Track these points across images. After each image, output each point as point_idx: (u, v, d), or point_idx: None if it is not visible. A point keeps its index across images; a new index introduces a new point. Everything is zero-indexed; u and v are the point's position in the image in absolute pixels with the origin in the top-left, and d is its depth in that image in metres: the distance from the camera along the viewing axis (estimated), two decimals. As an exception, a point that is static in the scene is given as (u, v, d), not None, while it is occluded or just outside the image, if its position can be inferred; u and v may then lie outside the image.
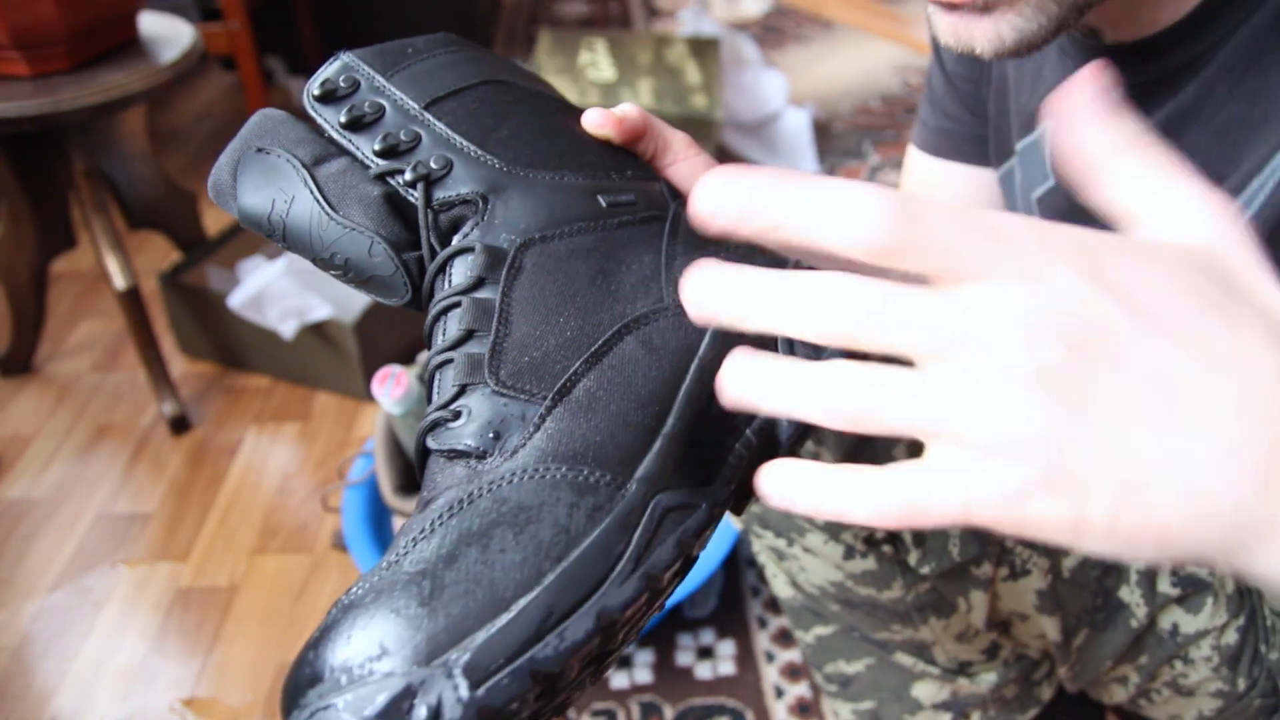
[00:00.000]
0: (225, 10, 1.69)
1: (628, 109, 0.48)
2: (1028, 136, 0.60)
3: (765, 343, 0.41)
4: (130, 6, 1.17)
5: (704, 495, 0.38)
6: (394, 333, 1.31)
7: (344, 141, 0.43)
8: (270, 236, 0.44)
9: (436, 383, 0.39)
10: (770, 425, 0.41)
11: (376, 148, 0.42)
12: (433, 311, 0.41)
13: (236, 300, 1.23)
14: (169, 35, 1.20)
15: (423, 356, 0.88)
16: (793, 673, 0.94)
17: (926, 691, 0.71)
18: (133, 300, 1.20)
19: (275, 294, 1.22)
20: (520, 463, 0.36)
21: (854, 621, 0.69)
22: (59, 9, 1.04)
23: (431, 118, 0.43)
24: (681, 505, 0.37)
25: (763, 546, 0.68)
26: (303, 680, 0.32)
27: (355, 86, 0.44)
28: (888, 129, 1.99)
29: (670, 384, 0.39)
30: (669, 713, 0.90)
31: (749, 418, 0.41)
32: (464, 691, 0.31)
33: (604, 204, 0.43)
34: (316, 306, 1.22)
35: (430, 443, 0.38)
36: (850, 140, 1.95)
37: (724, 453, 0.40)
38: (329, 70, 0.45)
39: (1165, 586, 0.63)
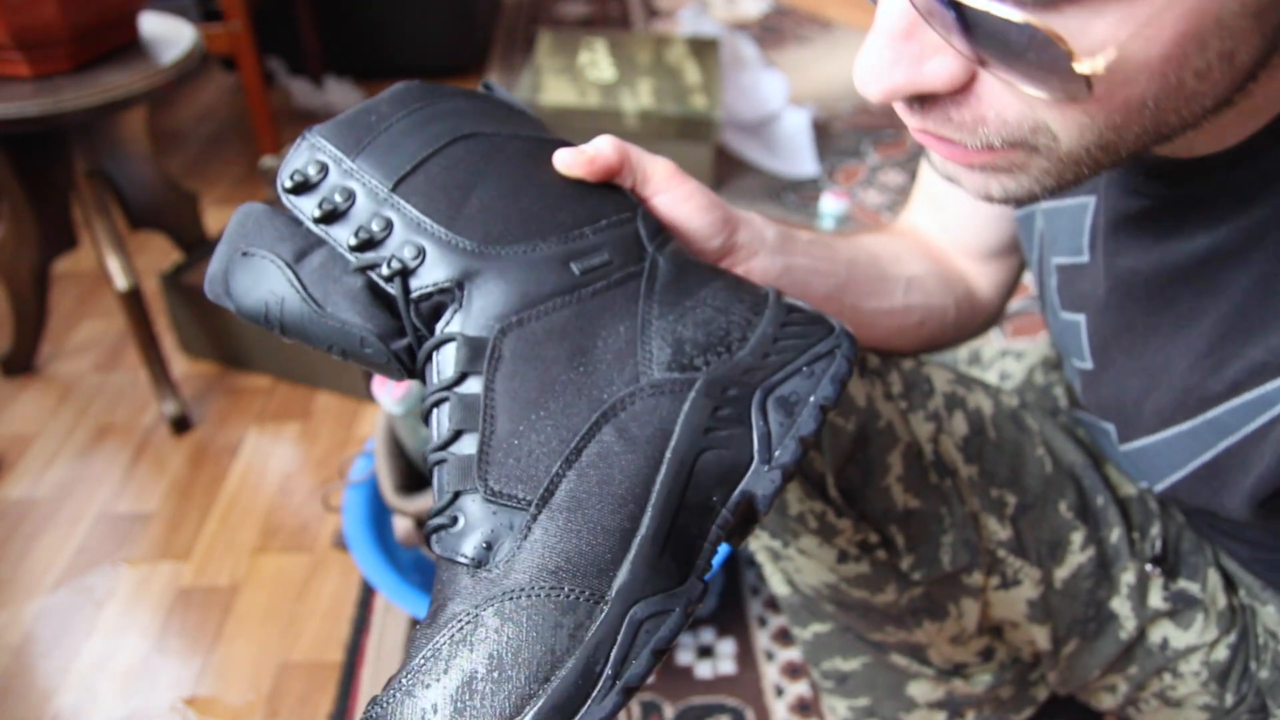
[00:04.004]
0: (226, 11, 1.70)
1: (601, 146, 0.47)
2: (1065, 199, 0.56)
3: (739, 414, 0.43)
4: (131, 7, 1.17)
5: (678, 597, 0.40)
6: (394, 333, 1.31)
7: (321, 233, 0.45)
8: (271, 331, 0.46)
9: (435, 481, 0.42)
10: (749, 498, 0.42)
11: (352, 242, 0.44)
12: (425, 404, 0.43)
13: (237, 300, 1.23)
14: (170, 36, 1.21)
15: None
16: (793, 671, 0.94)
17: (922, 690, 0.71)
18: (134, 300, 1.21)
19: (276, 294, 1.22)
20: (513, 582, 0.38)
21: (849, 622, 0.69)
22: (61, 10, 1.04)
23: (400, 200, 0.44)
24: (656, 613, 0.39)
25: (760, 546, 0.68)
26: None
27: (325, 172, 0.45)
28: (887, 129, 2.00)
29: (646, 477, 0.41)
30: (669, 711, 0.91)
31: (725, 497, 0.42)
32: None
33: (577, 273, 0.44)
34: (317, 306, 1.23)
35: (435, 547, 0.41)
36: (850, 140, 1.95)
37: (700, 542, 0.41)
38: (297, 157, 0.46)
39: (1156, 601, 0.63)
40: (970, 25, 0.33)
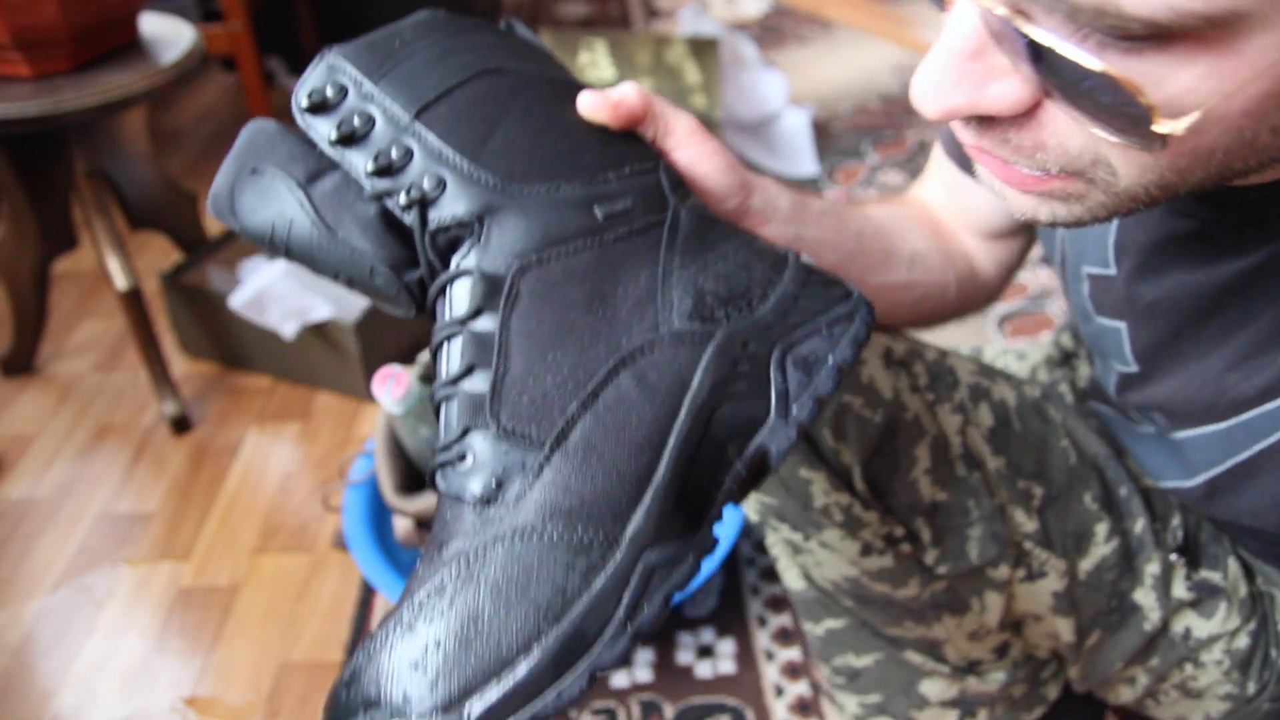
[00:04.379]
0: (226, 11, 1.70)
1: (626, 92, 0.46)
2: None
3: (757, 370, 0.43)
4: (131, 8, 1.17)
5: (691, 545, 0.40)
6: (395, 333, 1.31)
7: (336, 157, 0.43)
8: (274, 254, 0.44)
9: (443, 416, 0.41)
10: (763, 453, 0.42)
11: (369, 168, 0.42)
12: (435, 339, 0.42)
13: (237, 300, 1.23)
14: (170, 36, 1.21)
15: (424, 356, 0.88)
16: (793, 671, 0.94)
17: (935, 688, 0.71)
18: (134, 300, 1.21)
19: (276, 294, 1.22)
20: (522, 519, 0.38)
21: (866, 617, 0.69)
22: (61, 10, 1.04)
23: (423, 128, 0.43)
24: (669, 561, 0.39)
25: (778, 539, 0.68)
26: (348, 700, 0.36)
27: (343, 94, 0.44)
28: (886, 129, 2.00)
29: (663, 425, 0.40)
30: (669, 711, 0.91)
31: (740, 450, 0.42)
32: None
33: (600, 216, 0.43)
34: (317, 307, 1.23)
35: (440, 484, 0.40)
36: (849, 140, 1.95)
37: (714, 493, 0.41)
38: (315, 76, 0.45)
39: (1180, 591, 0.63)
40: (1042, 57, 0.32)
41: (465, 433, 0.40)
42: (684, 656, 0.96)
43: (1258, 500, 0.52)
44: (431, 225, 0.42)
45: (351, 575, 1.06)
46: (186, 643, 1.00)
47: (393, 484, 0.85)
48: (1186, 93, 0.31)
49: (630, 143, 0.47)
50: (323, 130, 0.44)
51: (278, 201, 0.44)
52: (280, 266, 1.23)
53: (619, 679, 0.93)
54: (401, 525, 0.85)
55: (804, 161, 1.85)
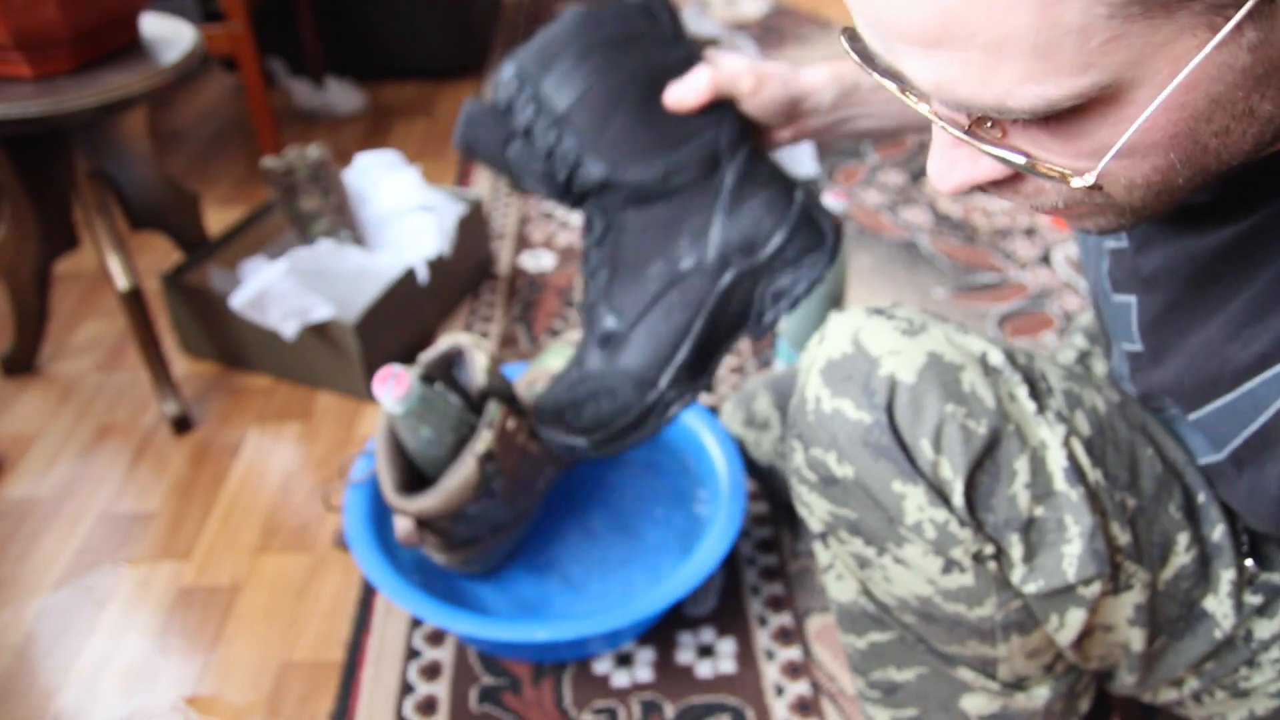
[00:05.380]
0: (227, 12, 1.70)
1: (698, 85, 0.70)
2: None
3: (748, 295, 0.72)
4: (132, 8, 1.17)
5: (694, 389, 0.73)
6: (395, 333, 1.32)
7: (521, 137, 0.72)
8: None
9: (588, 286, 0.75)
10: (757, 323, 0.73)
11: (539, 147, 0.70)
12: (584, 244, 0.75)
13: (238, 300, 1.23)
14: (171, 37, 1.21)
15: (424, 356, 0.88)
16: (793, 671, 0.94)
17: (976, 703, 0.69)
18: (135, 301, 1.21)
19: (277, 294, 1.22)
20: (614, 367, 0.73)
21: (925, 634, 0.67)
22: (61, 11, 1.05)
23: (568, 125, 0.70)
24: (679, 397, 0.73)
25: (842, 552, 0.66)
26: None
27: (519, 90, 0.71)
28: (888, 129, 2.00)
29: (690, 322, 0.71)
30: (669, 710, 0.91)
31: (732, 340, 0.73)
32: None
33: (673, 184, 0.70)
34: (318, 307, 1.23)
35: (585, 318, 0.75)
36: (849, 140, 1.96)
37: (712, 364, 0.74)
38: (502, 87, 0.72)
39: (1249, 597, 0.62)
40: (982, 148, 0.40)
41: (595, 304, 0.73)
42: (684, 656, 0.96)
43: (1269, 477, 0.52)
44: (575, 184, 0.71)
45: (352, 575, 1.06)
46: (187, 642, 1.00)
47: (393, 483, 0.85)
48: (1096, 145, 0.38)
49: (702, 117, 0.70)
50: (512, 121, 0.72)
51: (490, 155, 0.72)
52: (281, 266, 1.23)
53: (619, 678, 0.94)
54: (402, 525, 0.85)
55: (803, 161, 1.85)
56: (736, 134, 0.71)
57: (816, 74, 0.73)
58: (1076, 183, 0.40)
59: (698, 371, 0.73)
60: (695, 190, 0.71)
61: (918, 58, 0.37)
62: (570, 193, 0.72)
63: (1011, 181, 0.44)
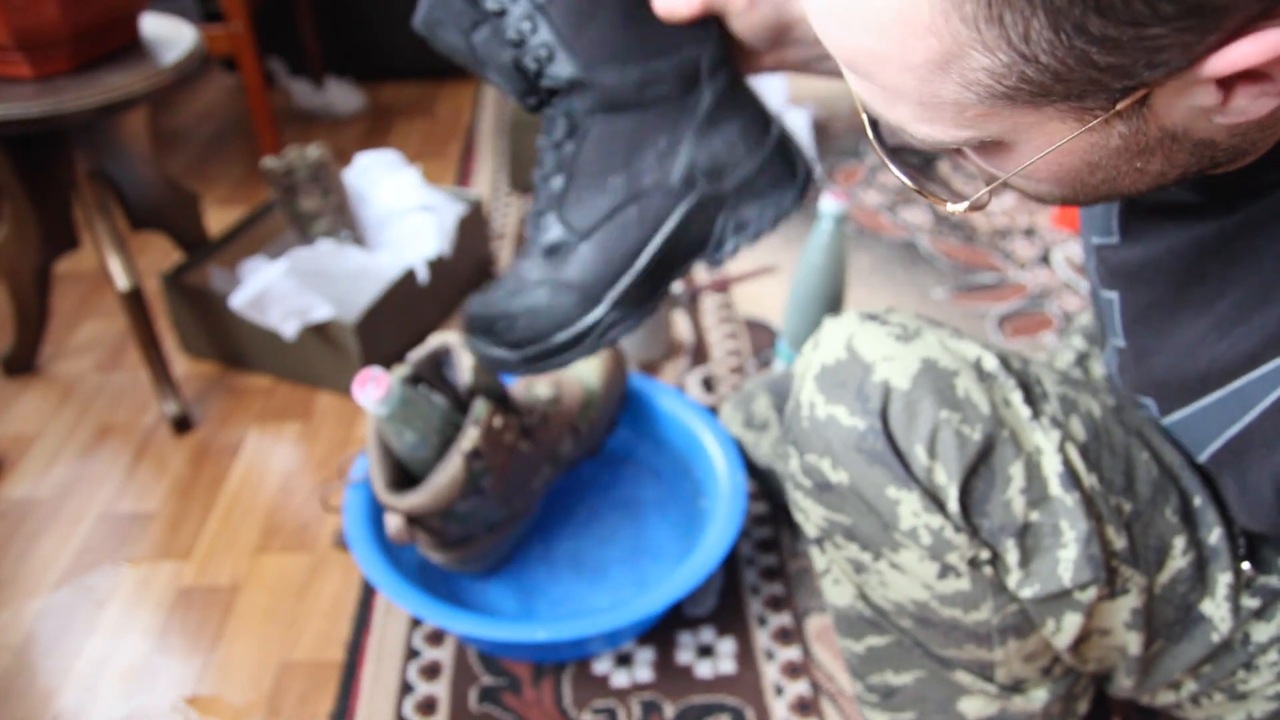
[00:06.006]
0: (227, 12, 1.70)
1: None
2: None
3: (710, 221, 0.68)
4: (132, 8, 1.17)
5: (643, 312, 0.69)
6: (395, 333, 1.32)
7: (490, 19, 0.65)
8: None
9: (538, 192, 0.68)
10: (716, 250, 0.69)
11: (510, 36, 0.64)
12: (540, 144, 0.68)
13: (238, 300, 1.23)
14: (171, 37, 1.21)
15: (412, 356, 0.88)
16: (793, 671, 0.94)
17: (974, 706, 0.69)
18: (135, 301, 1.21)
19: (277, 294, 1.22)
20: (559, 275, 0.67)
21: (922, 638, 0.67)
22: (62, 11, 1.05)
23: (544, 14, 0.64)
24: (624, 318, 0.68)
25: (838, 557, 0.66)
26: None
27: None
28: (887, 129, 2.00)
29: (644, 241, 0.67)
30: (669, 710, 0.91)
31: (685, 266, 0.69)
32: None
33: (647, 96, 0.65)
34: (318, 307, 1.23)
35: (529, 230, 0.69)
36: (849, 140, 1.96)
37: (664, 286, 0.70)
38: None
39: (1246, 600, 0.62)
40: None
41: (544, 210, 0.68)
42: (684, 656, 0.96)
43: (1258, 476, 0.52)
44: (543, 80, 0.65)
45: (352, 574, 1.06)
46: (187, 642, 1.00)
47: (383, 481, 0.85)
48: (997, 168, 0.44)
49: (688, 31, 0.65)
50: (485, 5, 0.65)
51: (452, 39, 0.66)
52: (281, 267, 1.23)
53: (619, 678, 0.94)
54: (393, 522, 0.85)
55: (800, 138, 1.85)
56: (720, 56, 0.67)
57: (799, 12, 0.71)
58: (951, 207, 0.46)
59: (645, 296, 0.68)
60: (669, 106, 0.66)
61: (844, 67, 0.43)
62: (536, 91, 0.66)
63: (919, 184, 0.49)
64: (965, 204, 0.46)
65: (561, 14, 0.63)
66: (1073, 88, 0.36)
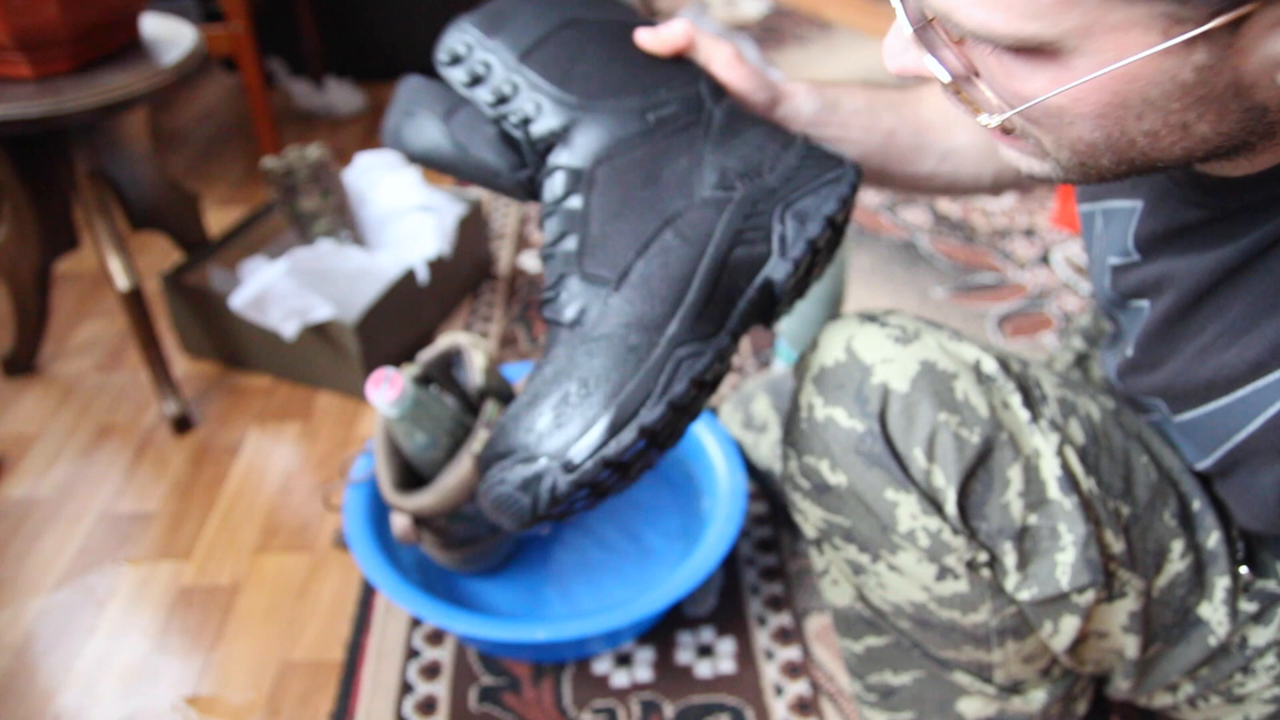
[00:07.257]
0: (227, 12, 1.70)
1: (675, 29, 0.63)
2: (1119, 200, 0.59)
3: (764, 223, 0.59)
4: (133, 8, 1.17)
5: (711, 344, 0.57)
6: (395, 333, 1.32)
7: (468, 95, 0.62)
8: (434, 168, 0.64)
9: (547, 269, 0.59)
10: (767, 281, 0.59)
11: (489, 99, 0.60)
12: (541, 214, 0.60)
13: (238, 301, 1.23)
14: (171, 37, 1.21)
15: (422, 356, 0.88)
16: (793, 671, 0.94)
17: (972, 707, 0.69)
18: (135, 301, 1.21)
19: (277, 294, 1.22)
20: (598, 333, 0.55)
21: (921, 639, 0.67)
22: (62, 11, 1.05)
23: (524, 68, 0.60)
24: (693, 354, 0.56)
25: (837, 558, 0.66)
26: (494, 451, 0.56)
27: (470, 49, 0.62)
28: (887, 129, 2.00)
29: (693, 263, 0.57)
30: (669, 710, 0.91)
31: (750, 280, 0.58)
32: (566, 474, 0.54)
33: (652, 121, 0.60)
34: (318, 307, 1.23)
35: (546, 313, 0.58)
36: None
37: (731, 311, 0.58)
38: (450, 39, 0.63)
39: (1244, 604, 0.62)
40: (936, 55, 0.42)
41: (561, 278, 0.58)
42: (684, 656, 0.96)
43: (1265, 481, 0.52)
44: (534, 136, 0.60)
45: (352, 574, 1.06)
46: (188, 642, 1.00)
47: (391, 481, 0.85)
48: (1028, 92, 0.40)
49: (679, 65, 0.63)
50: (456, 77, 0.61)
51: (428, 132, 0.62)
52: (281, 267, 1.23)
53: (618, 678, 0.94)
54: (399, 522, 0.85)
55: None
56: (718, 90, 0.63)
57: (796, 84, 0.69)
58: (983, 120, 0.43)
59: (711, 327, 0.57)
60: (679, 127, 0.60)
61: None
62: (529, 152, 0.60)
63: (956, 84, 0.44)
64: (1001, 117, 0.42)
65: (545, 63, 0.60)
66: None
